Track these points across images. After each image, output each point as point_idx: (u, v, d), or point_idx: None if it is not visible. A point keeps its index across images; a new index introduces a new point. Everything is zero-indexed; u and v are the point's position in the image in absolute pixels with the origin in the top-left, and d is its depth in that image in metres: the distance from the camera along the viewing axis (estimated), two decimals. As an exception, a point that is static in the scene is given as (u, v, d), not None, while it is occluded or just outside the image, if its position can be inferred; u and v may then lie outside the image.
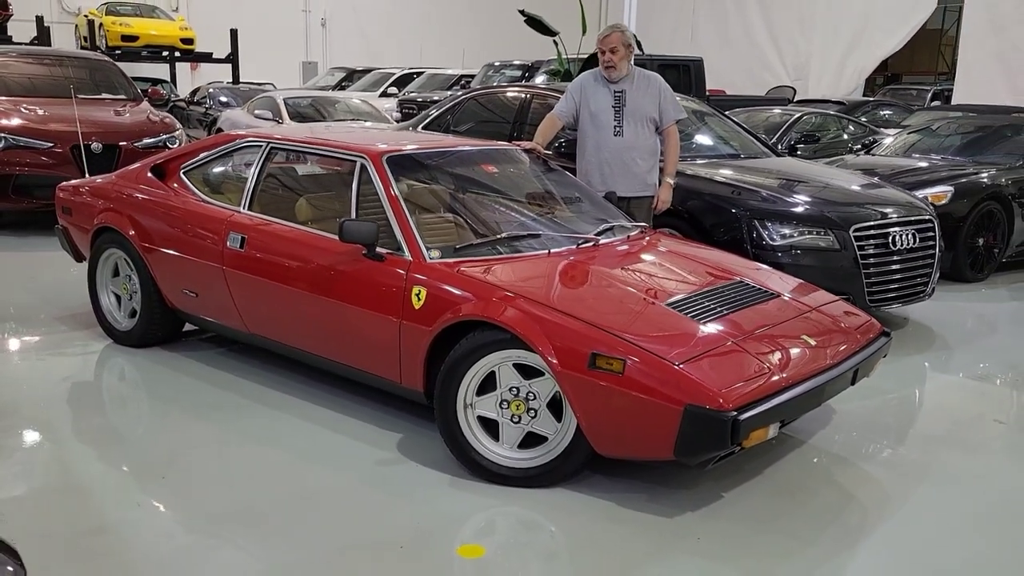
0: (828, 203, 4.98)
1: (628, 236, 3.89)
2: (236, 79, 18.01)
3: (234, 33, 18.22)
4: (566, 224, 3.91)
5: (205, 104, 14.56)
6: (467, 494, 3.06)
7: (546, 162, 4.45)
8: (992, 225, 6.69)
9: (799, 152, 8.35)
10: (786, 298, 3.48)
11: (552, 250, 3.49)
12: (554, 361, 2.85)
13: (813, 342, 3.15)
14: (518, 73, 14.04)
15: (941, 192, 6.49)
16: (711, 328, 3.01)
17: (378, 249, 3.37)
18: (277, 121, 10.59)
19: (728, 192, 5.00)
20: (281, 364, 4.17)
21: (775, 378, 2.85)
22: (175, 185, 4.28)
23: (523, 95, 6.48)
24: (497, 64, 14.71)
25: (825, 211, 4.86)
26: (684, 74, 11.66)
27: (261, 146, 4.06)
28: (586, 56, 9.72)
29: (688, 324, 3.01)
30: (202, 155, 4.27)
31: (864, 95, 20.46)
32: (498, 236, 3.53)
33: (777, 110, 10.91)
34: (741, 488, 3.17)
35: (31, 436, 3.50)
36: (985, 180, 6.73)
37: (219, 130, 11.98)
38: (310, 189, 4.23)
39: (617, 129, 4.61)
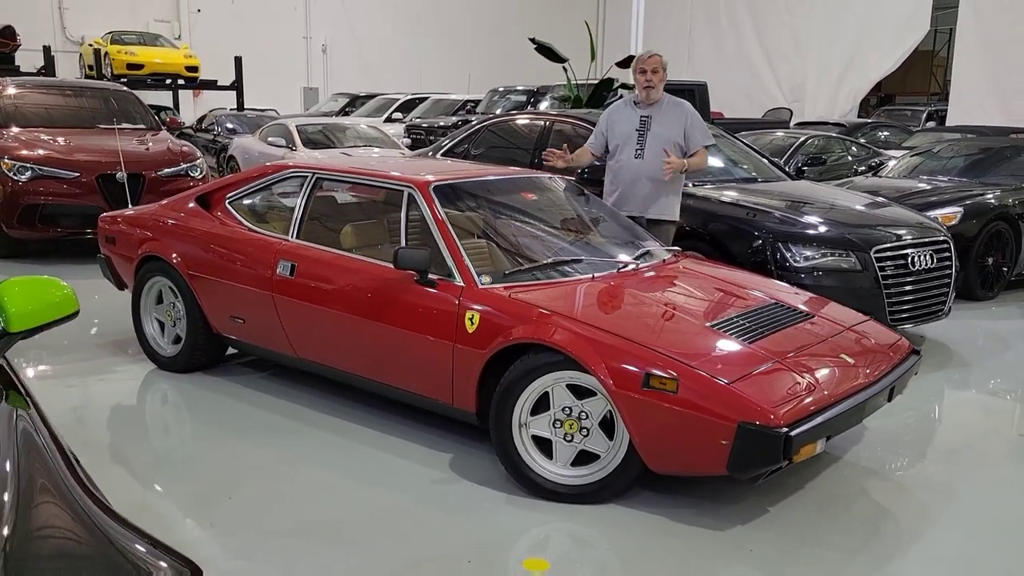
0: (848, 225, 5.14)
1: (664, 260, 4.03)
2: (241, 106, 18.20)
3: (238, 60, 18.45)
4: (604, 249, 4.06)
5: (213, 131, 14.73)
6: (523, 511, 3.17)
7: (581, 188, 4.60)
8: (1000, 244, 6.86)
9: (806, 174, 8.54)
10: (820, 318, 3.62)
11: (596, 275, 3.63)
12: (608, 381, 2.98)
13: (851, 360, 3.29)
14: (523, 98, 14.27)
15: (951, 213, 6.66)
16: (756, 348, 3.14)
17: (430, 275, 3.50)
18: (290, 148, 10.74)
19: (751, 215, 5.16)
20: (321, 386, 4.29)
21: (821, 395, 2.98)
22: (220, 214, 4.41)
23: (542, 122, 6.65)
24: (502, 89, 14.94)
25: (846, 233, 5.02)
26: (688, 98, 11.77)
27: (307, 176, 4.19)
28: (596, 82, 9.96)
29: (734, 344, 3.15)
30: (247, 185, 4.41)
31: (859, 116, 20.76)
32: (544, 262, 3.66)
33: (780, 132, 11.12)
34: (785, 502, 3.29)
35: (88, 462, 3.61)
36: (992, 201, 6.91)
37: (231, 158, 12.14)
38: (354, 218, 4.37)
39: (639, 151, 4.78)
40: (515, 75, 17.38)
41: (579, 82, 10.19)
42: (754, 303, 3.62)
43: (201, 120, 16.03)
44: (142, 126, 8.73)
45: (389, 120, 16.09)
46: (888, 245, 4.99)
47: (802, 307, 3.69)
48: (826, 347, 3.34)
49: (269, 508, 3.18)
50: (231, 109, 18.03)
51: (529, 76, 15.97)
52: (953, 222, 6.57)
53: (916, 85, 26.83)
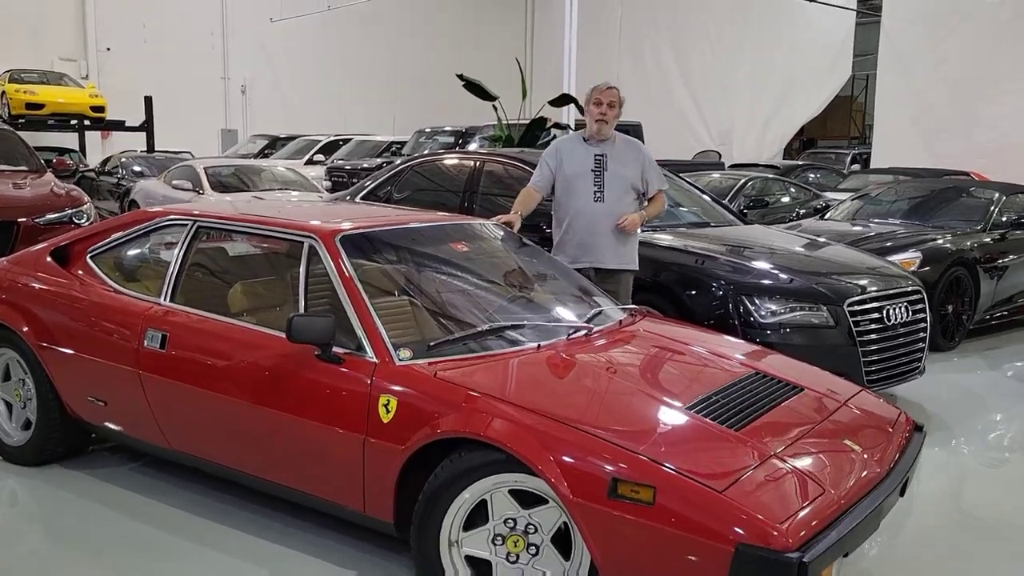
0: (816, 275, 4.60)
1: (620, 321, 3.38)
2: (151, 148, 17.16)
3: (148, 100, 17.46)
4: (549, 309, 3.40)
5: (117, 174, 13.71)
6: (456, 658, 2.44)
7: (519, 238, 3.95)
8: (960, 291, 6.46)
9: (749, 217, 8.10)
10: (810, 391, 3.00)
11: (542, 343, 2.96)
12: (563, 487, 2.29)
13: (858, 448, 2.67)
14: (451, 139, 13.68)
15: (910, 258, 6.24)
16: (745, 437, 2.50)
17: (335, 349, 2.78)
18: (198, 192, 9.89)
19: (707, 264, 4.58)
20: (209, 482, 3.49)
21: (833, 501, 2.34)
22: (80, 272, 3.61)
23: (473, 162, 6.01)
24: (428, 130, 14.33)
25: (815, 284, 4.48)
26: (622, 138, 11.43)
27: (186, 225, 3.44)
28: (527, 121, 9.42)
29: (721, 433, 2.50)
30: (113, 236, 3.62)
31: (784, 159, 20.85)
32: (478, 328, 2.97)
33: (717, 175, 10.75)
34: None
35: None
36: (950, 245, 6.52)
37: (132, 202, 11.19)
38: (246, 274, 3.62)
39: (597, 195, 4.17)
40: (442, 116, 16.81)
41: (510, 121, 9.64)
42: (732, 375, 2.99)
43: (105, 162, 14.97)
44: (23, 167, 7.79)
45: (310, 162, 15.31)
46: (862, 297, 4.46)
47: (787, 377, 3.07)
48: (825, 431, 2.72)
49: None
50: (142, 151, 17.01)
51: (456, 117, 15.42)
52: (913, 268, 6.13)
53: (836, 129, 27.37)
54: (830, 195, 10.59)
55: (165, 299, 3.30)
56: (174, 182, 10.30)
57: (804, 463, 2.44)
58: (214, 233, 3.50)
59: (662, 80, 23.11)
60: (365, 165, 12.74)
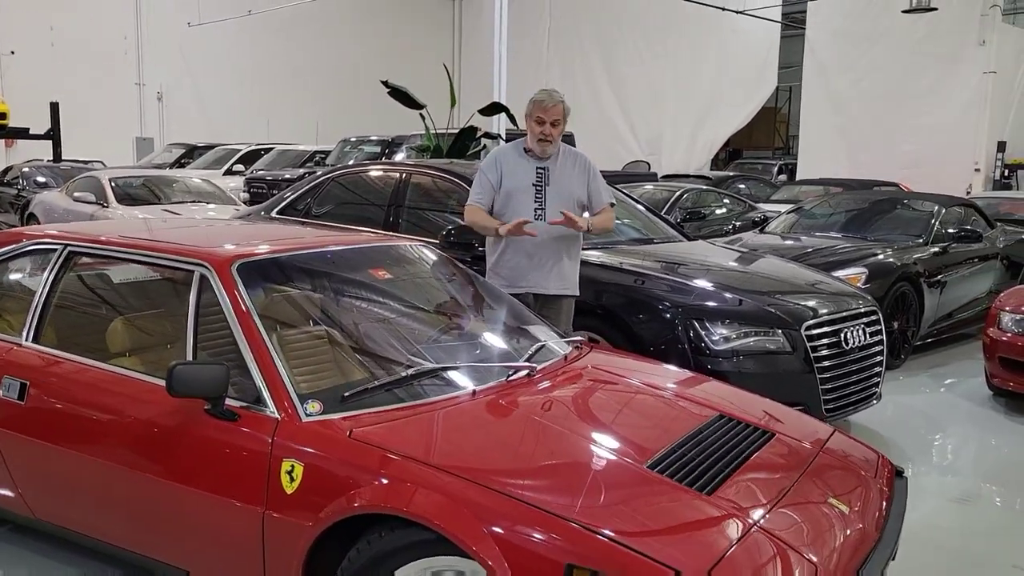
0: (769, 296, 4.29)
1: (565, 356, 2.98)
2: (57, 157, 16.15)
3: (54, 107, 16.44)
4: (486, 345, 2.97)
5: (18, 185, 12.80)
6: None
7: (451, 261, 3.51)
8: (905, 307, 6.27)
9: (686, 230, 7.83)
10: (782, 436, 2.65)
11: (477, 388, 2.53)
12: (506, 573, 1.87)
13: (845, 508, 2.32)
14: (377, 149, 13.16)
15: (855, 274, 6.01)
16: (722, 503, 2.12)
17: (228, 403, 2.31)
18: (101, 205, 9.17)
19: (657, 287, 4.23)
20: (84, 555, 2.95)
21: (827, 580, 1.98)
22: (-71, 305, 3.05)
23: (398, 174, 5.56)
24: (354, 139, 13.78)
25: (769, 307, 4.16)
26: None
27: (55, 249, 2.91)
28: (456, 131, 9.00)
29: (692, 500, 2.11)
30: (-33, 263, 3.07)
31: (710, 170, 20.91)
32: (402, 374, 2.52)
33: (650, 186, 10.50)
34: None
35: None
36: (895, 260, 6.33)
37: (31, 215, 10.39)
38: (129, 306, 3.11)
39: (538, 212, 3.76)
40: (368, 125, 16.27)
41: (439, 131, 9.20)
42: (694, 420, 2.62)
43: (5, 172, 14.00)
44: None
45: (229, 172, 14.59)
46: (819, 320, 4.16)
47: (752, 419, 2.72)
48: (807, 489, 2.36)
49: None
50: (48, 160, 16.01)
51: (383, 126, 14.91)
52: (859, 283, 5.91)
53: (761, 140, 27.70)
54: (764, 207, 10.44)
55: (27, 339, 2.78)
56: (76, 194, 9.56)
57: (791, 534, 2.06)
58: (89, 259, 2.98)
59: (591, 89, 22.96)
60: (287, 176, 12.14)
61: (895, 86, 17.47)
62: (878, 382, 4.44)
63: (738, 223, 9.25)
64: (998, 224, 7.84)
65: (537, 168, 3.82)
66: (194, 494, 2.31)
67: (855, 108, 18.30)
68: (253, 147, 15.81)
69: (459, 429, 2.33)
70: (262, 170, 13.71)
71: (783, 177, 19.42)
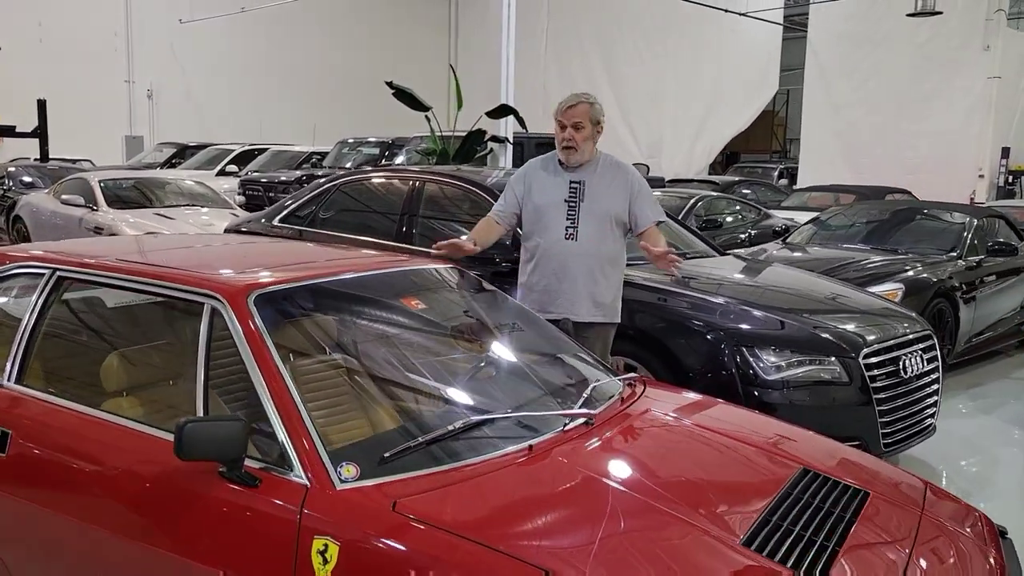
0: (822, 320, 3.96)
1: (621, 397, 2.64)
2: (44, 156, 15.71)
3: (42, 104, 15.99)
4: (530, 385, 2.62)
5: (3, 185, 12.37)
6: None
7: (478, 281, 3.16)
8: (942, 324, 5.97)
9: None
10: (878, 496, 2.31)
11: (533, 442, 2.18)
12: None
13: (969, 589, 1.99)
14: (376, 151, 12.81)
15: (892, 290, 5.70)
16: (835, 591, 1.78)
17: (247, 463, 1.96)
18: (91, 208, 8.77)
19: (701, 309, 3.89)
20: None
21: None
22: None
23: (411, 182, 5.21)
24: (352, 141, 13.41)
25: (823, 332, 3.83)
26: (562, 153, 10.76)
27: (42, 274, 2.55)
28: (464, 134, 8.65)
29: (803, 591, 1.77)
30: (-58, 288, 2.70)
31: (709, 174, 20.64)
32: (447, 427, 2.15)
33: (658, 193, 10.16)
34: None
35: None
36: (931, 275, 6.02)
37: (17, 217, 9.98)
38: (128, 337, 2.75)
39: (570, 230, 3.41)
40: (366, 126, 15.89)
41: (444, 133, 8.85)
42: (778, 478, 2.27)
43: (-10, 172, 13.57)
44: None
45: (222, 173, 14.19)
46: (877, 347, 3.83)
47: (840, 475, 2.38)
48: (927, 560, 2.02)
49: None
50: (35, 159, 15.58)
51: (381, 127, 14.54)
52: (896, 299, 5.59)
53: (758, 143, 27.45)
54: (778, 214, 10.13)
55: (8, 379, 2.41)
56: (64, 197, 9.15)
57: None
58: (85, 287, 2.61)
59: (590, 91, 22.59)
60: (283, 178, 11.77)
61: (898, 91, 17.25)
62: (934, 412, 4.12)
63: (753, 231, 8.94)
64: (1027, 236, 7.55)
65: (571, 182, 3.47)
66: (203, 573, 1.96)
67: (857, 112, 18.07)
68: (247, 147, 15.41)
69: (522, 499, 1.98)
70: (257, 171, 13.33)
71: (784, 181, 19.19)
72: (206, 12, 20.12)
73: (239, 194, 11.45)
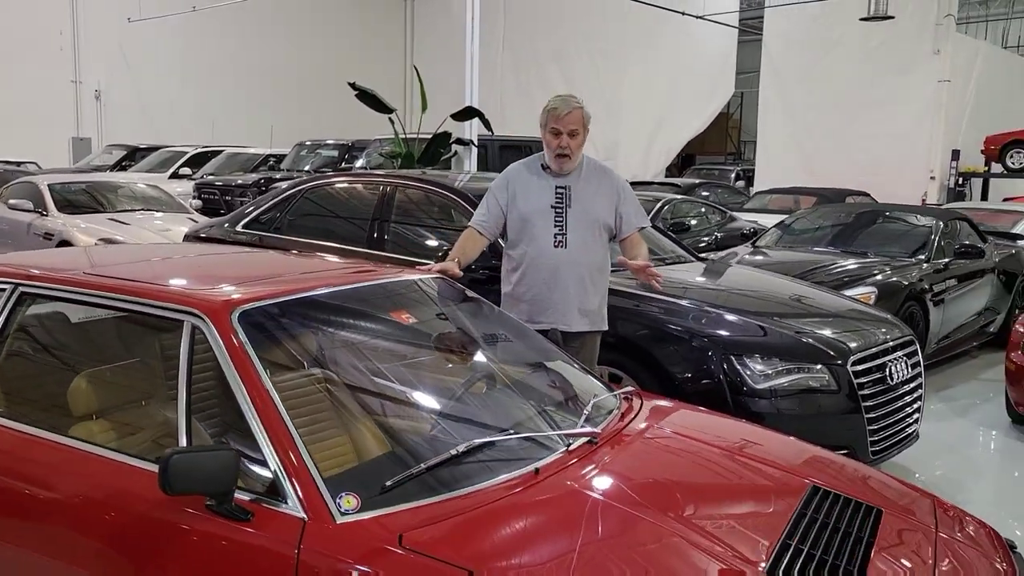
0: (810, 327, 3.91)
1: (620, 411, 2.54)
2: (-13, 159, 15.22)
3: (-17, 104, 15.49)
4: (528, 401, 2.50)
5: (-56, 190, 11.88)
6: None
7: (463, 291, 3.03)
8: (913, 327, 5.98)
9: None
10: (890, 513, 2.24)
11: (539, 465, 2.07)
12: None
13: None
14: (335, 154, 12.59)
15: (866, 293, 5.69)
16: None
17: (237, 496, 1.81)
18: (40, 213, 8.44)
19: (687, 317, 3.81)
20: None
21: None
22: None
23: (381, 187, 5.07)
24: (309, 143, 13.17)
25: (810, 339, 3.77)
26: (525, 155, 10.66)
27: (3, 290, 2.37)
28: (429, 136, 8.52)
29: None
30: None
31: (665, 176, 20.75)
32: (451, 452, 2.02)
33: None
34: None
35: None
36: (902, 278, 6.04)
37: (-40, 224, 9.55)
38: (97, 354, 2.57)
39: (559, 238, 3.29)
40: (324, 128, 15.64)
41: (408, 136, 8.69)
42: (790, 497, 2.19)
43: (-69, 175, 13.02)
44: None
45: (176, 176, 13.84)
46: (864, 353, 3.79)
47: (848, 489, 2.31)
48: (949, 586, 1.96)
49: None
50: (-24, 162, 15.04)
51: (340, 129, 14.32)
52: (870, 302, 5.59)
53: (713, 145, 27.69)
54: (743, 216, 10.16)
55: (-32, 405, 2.23)
56: (11, 201, 8.80)
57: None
58: (50, 304, 2.43)
59: (546, 94, 22.54)
60: (240, 181, 11.51)
61: (851, 94, 17.48)
62: (918, 418, 4.10)
63: (720, 234, 8.94)
64: (989, 238, 7.65)
65: (556, 187, 3.36)
66: (193, 615, 1.80)
67: (812, 115, 18.26)
68: (201, 149, 15.06)
69: (537, 529, 1.86)
70: (212, 174, 13.02)
71: (741, 183, 19.36)
72: (156, 11, 19.62)
73: (195, 198, 11.15)
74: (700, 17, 19.13)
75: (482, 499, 1.89)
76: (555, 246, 3.28)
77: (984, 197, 16.68)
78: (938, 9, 16.84)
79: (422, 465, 1.94)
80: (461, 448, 2.01)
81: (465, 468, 2.00)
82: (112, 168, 15.51)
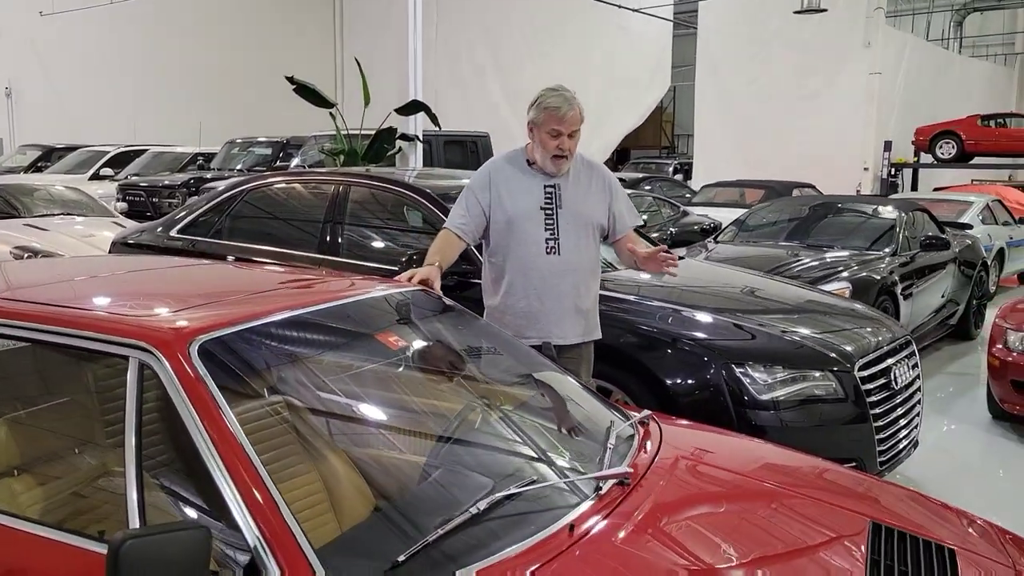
0: (811, 330, 3.64)
1: (640, 441, 2.21)
2: None
3: None
4: (539, 436, 2.14)
5: None
6: None
7: (442, 301, 2.64)
8: (885, 321, 5.83)
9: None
10: (964, 551, 1.96)
11: (572, 518, 1.72)
12: None
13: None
14: (268, 151, 12.01)
15: (841, 288, 5.51)
16: None
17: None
18: (-54, 220, 7.72)
19: (682, 323, 3.51)
20: None
21: None
22: None
23: (332, 186, 4.65)
24: (240, 141, 12.55)
25: (813, 343, 3.51)
26: (472, 152, 10.33)
27: None
28: (372, 132, 8.07)
29: None
30: None
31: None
32: (470, 511, 1.64)
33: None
34: None
35: None
36: (873, 272, 5.87)
37: None
38: (22, 392, 2.12)
39: (550, 243, 2.92)
40: (255, 126, 14.98)
41: (350, 131, 8.24)
42: (854, 539, 1.90)
43: None
44: None
45: (96, 177, 13.04)
46: (869, 357, 3.54)
47: (912, 528, 2.02)
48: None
49: None
50: None
51: (272, 126, 13.71)
52: (846, 298, 5.40)
53: (647, 139, 27.73)
54: (694, 211, 9.99)
55: None
56: (-87, 208, 8.04)
57: None
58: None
59: (481, 87, 22.21)
60: (167, 182, 10.86)
61: (786, 86, 17.58)
62: (918, 424, 3.88)
63: (675, 230, 8.72)
64: (947, 229, 7.59)
65: (546, 186, 2.99)
66: None
67: (748, 108, 18.32)
68: (123, 149, 14.25)
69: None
70: (136, 175, 12.30)
71: (679, 177, 19.36)
72: (69, 4, 18.57)
73: (119, 200, 10.47)
74: (636, 10, 19.01)
75: (510, 570, 1.53)
76: (547, 252, 2.92)
77: (914, 188, 16.94)
78: (868, 2, 17.04)
79: (437, 531, 1.56)
80: (481, 507, 1.64)
81: (486, 529, 1.64)
82: (27, 170, 14.59)
